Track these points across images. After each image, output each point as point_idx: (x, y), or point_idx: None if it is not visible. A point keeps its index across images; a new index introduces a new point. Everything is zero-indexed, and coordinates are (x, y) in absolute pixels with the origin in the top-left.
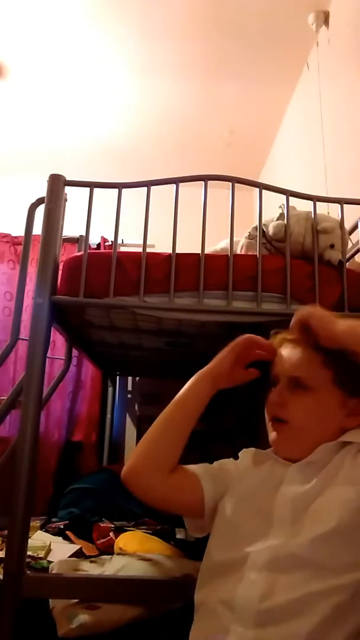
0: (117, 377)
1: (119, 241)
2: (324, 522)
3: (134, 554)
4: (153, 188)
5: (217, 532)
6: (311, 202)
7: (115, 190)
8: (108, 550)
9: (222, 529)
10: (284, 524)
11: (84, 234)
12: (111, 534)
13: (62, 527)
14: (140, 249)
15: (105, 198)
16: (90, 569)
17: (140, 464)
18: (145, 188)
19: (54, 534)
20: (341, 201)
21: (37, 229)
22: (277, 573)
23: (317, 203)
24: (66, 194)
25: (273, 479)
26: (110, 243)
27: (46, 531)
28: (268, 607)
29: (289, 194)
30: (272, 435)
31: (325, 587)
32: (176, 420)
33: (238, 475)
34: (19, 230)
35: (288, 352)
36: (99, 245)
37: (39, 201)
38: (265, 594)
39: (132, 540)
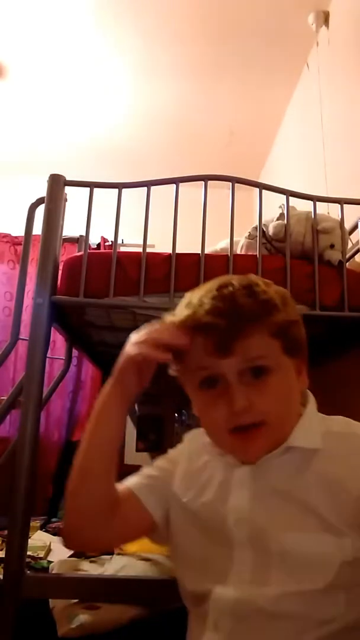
0: None
1: (119, 241)
2: (301, 577)
3: (134, 554)
4: (153, 188)
5: (176, 556)
6: (311, 202)
7: (115, 190)
8: (108, 550)
9: (178, 553)
10: (245, 556)
11: (84, 234)
12: None
13: (62, 527)
14: (140, 249)
15: (105, 198)
16: (90, 569)
17: (76, 524)
18: (145, 188)
19: (54, 534)
20: (341, 201)
21: (37, 229)
22: (244, 623)
23: (317, 203)
24: (66, 194)
25: (217, 484)
26: (110, 243)
27: (46, 531)
28: None
29: (289, 194)
30: (241, 447)
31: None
32: (96, 460)
33: (176, 478)
34: (19, 230)
35: None
36: (99, 245)
37: (39, 201)
38: None
39: None
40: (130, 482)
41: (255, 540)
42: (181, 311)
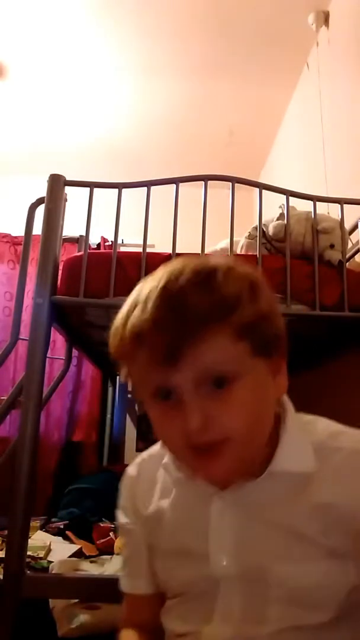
0: (117, 377)
1: (119, 241)
2: (303, 611)
3: None
4: (153, 188)
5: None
6: (311, 202)
7: (115, 190)
8: (108, 550)
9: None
10: (232, 593)
11: (84, 234)
12: (111, 534)
13: (62, 527)
14: (140, 249)
15: (105, 198)
16: (90, 569)
17: None
18: (145, 188)
19: (54, 534)
20: (341, 201)
21: (37, 229)
22: None
23: (317, 203)
24: (66, 194)
25: (193, 517)
26: (110, 243)
27: (46, 531)
28: None
29: (289, 194)
30: (202, 467)
31: None
32: None
33: (147, 528)
34: (19, 230)
35: None
36: (99, 245)
37: (39, 201)
38: None
39: None
40: (132, 587)
41: (247, 575)
42: (126, 310)
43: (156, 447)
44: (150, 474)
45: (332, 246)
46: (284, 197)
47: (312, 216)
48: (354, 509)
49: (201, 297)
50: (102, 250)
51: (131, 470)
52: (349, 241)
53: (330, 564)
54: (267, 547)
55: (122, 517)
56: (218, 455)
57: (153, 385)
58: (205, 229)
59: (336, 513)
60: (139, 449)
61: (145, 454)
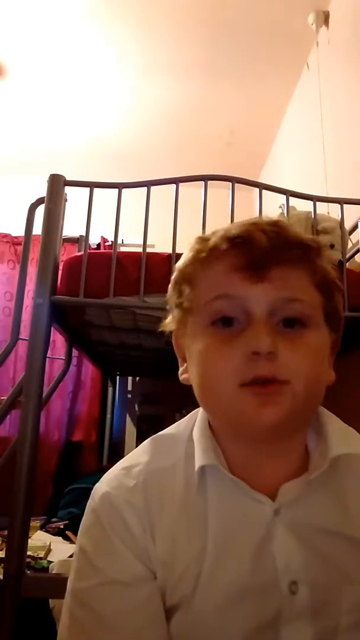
0: (117, 377)
1: (119, 241)
2: None
3: None
4: (153, 188)
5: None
6: (311, 202)
7: (115, 190)
8: None
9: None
10: (299, 633)
11: (84, 234)
12: None
13: (62, 527)
14: (140, 249)
15: (105, 198)
16: None
17: None
18: (145, 188)
19: (54, 534)
20: (341, 201)
21: (37, 229)
22: None
23: (317, 203)
24: (66, 194)
25: (241, 539)
26: (110, 243)
27: (46, 531)
28: None
29: (289, 194)
30: (254, 405)
31: None
32: None
33: (169, 582)
34: (19, 230)
35: None
36: (99, 245)
37: (39, 201)
38: None
39: None
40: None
41: (319, 606)
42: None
43: (156, 456)
44: (173, 493)
45: (332, 246)
46: (284, 197)
47: (312, 216)
48: None
49: (295, 232)
50: (102, 250)
51: (123, 493)
52: (349, 241)
53: None
54: (337, 562)
55: (111, 571)
56: (279, 394)
57: (221, 303)
58: (205, 229)
59: None
60: None
61: (141, 465)
